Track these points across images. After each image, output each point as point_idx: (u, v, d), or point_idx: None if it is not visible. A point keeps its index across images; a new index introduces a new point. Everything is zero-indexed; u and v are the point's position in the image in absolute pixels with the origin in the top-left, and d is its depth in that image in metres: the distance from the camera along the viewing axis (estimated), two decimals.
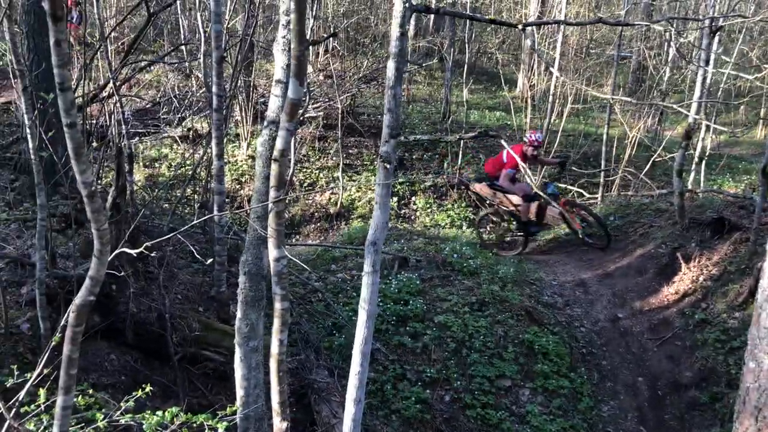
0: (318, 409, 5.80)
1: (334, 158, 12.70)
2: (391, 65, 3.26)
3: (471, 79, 15.78)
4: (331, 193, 12.02)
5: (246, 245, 3.76)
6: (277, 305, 2.73)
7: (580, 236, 9.22)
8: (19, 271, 5.20)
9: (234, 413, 3.16)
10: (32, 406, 3.15)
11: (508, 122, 14.30)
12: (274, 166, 2.67)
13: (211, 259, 4.87)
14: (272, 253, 2.72)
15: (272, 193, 2.69)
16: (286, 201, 9.08)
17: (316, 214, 11.65)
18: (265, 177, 3.50)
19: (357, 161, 12.78)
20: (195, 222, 2.92)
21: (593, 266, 8.92)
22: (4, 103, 11.35)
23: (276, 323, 2.75)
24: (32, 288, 4.72)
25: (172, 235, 2.81)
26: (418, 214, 12.21)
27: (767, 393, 3.39)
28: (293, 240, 10.65)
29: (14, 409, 3.10)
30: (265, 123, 3.72)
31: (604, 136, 12.39)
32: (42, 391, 3.17)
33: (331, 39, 14.91)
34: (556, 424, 6.25)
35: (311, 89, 12.92)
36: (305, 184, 11.96)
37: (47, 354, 3.29)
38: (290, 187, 10.77)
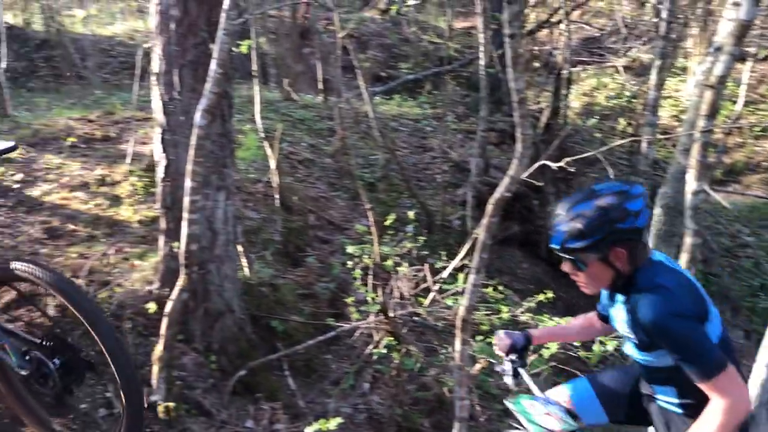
0: None
1: None
2: None
3: None
4: None
5: (667, 177, 3.63)
6: (688, 239, 2.62)
7: None
8: (458, 175, 5.97)
9: None
10: (451, 286, 3.73)
11: None
12: (707, 93, 2.50)
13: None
14: (690, 185, 2.60)
15: (700, 122, 2.54)
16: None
17: (763, 163, 10.25)
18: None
19: None
20: (613, 144, 2.94)
21: None
22: (468, 27, 12.65)
23: (684, 258, 2.65)
24: (466, 190, 5.39)
25: (587, 155, 2.89)
26: None
27: None
28: (730, 188, 9.66)
29: (438, 284, 3.72)
30: (712, 49, 3.45)
31: None
32: (461, 276, 3.70)
33: None
34: None
35: None
36: (756, 129, 10.55)
37: (468, 246, 3.79)
38: (735, 127, 9.70)
